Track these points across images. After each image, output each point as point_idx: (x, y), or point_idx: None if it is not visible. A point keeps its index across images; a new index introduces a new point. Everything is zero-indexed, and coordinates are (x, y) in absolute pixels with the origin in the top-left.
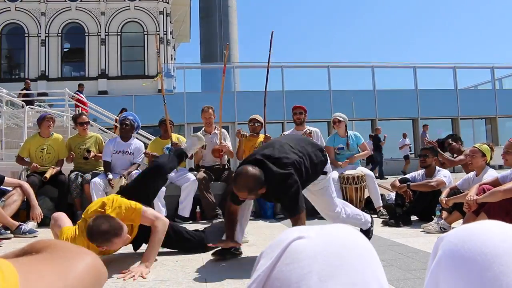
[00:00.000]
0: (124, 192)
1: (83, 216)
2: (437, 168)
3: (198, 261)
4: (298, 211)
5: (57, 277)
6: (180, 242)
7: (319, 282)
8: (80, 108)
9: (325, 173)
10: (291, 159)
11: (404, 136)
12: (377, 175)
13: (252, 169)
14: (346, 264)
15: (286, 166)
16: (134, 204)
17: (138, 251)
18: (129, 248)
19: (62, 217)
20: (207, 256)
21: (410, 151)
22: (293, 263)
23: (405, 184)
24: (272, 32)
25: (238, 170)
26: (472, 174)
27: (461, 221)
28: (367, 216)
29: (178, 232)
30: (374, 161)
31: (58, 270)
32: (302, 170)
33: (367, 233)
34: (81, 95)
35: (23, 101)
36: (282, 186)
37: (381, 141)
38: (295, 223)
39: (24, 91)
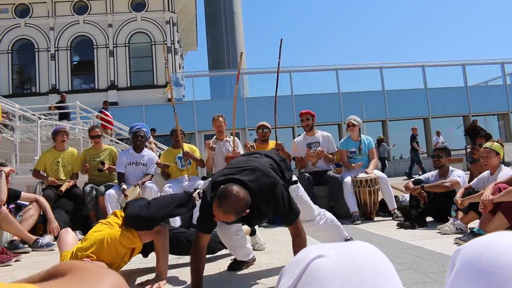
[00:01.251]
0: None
1: (76, 249)
2: (451, 168)
3: (215, 270)
4: (295, 218)
5: None
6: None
7: None
8: (101, 123)
9: (296, 181)
10: (266, 164)
11: (438, 134)
12: (420, 172)
13: (240, 190)
14: (365, 281)
15: (264, 174)
16: (129, 233)
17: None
18: (142, 263)
19: (64, 238)
20: (223, 265)
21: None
22: (313, 282)
23: (419, 186)
24: (282, 40)
25: (224, 191)
26: (487, 173)
27: (477, 221)
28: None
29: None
30: (414, 161)
31: None
32: (278, 171)
33: None
34: (107, 112)
35: (59, 113)
36: (271, 201)
37: (414, 141)
38: (294, 230)
39: (56, 104)
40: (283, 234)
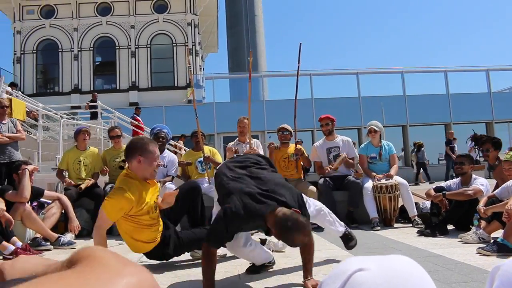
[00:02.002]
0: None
1: None
2: (473, 176)
3: (234, 273)
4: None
5: None
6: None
7: None
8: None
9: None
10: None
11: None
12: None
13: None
14: None
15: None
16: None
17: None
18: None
19: None
20: (243, 268)
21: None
22: None
23: (441, 193)
24: (300, 44)
25: (298, 224)
26: (511, 182)
27: (501, 230)
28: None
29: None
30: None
31: None
32: None
33: (349, 240)
34: (138, 117)
35: (91, 113)
36: None
37: (448, 145)
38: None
39: (90, 103)
40: None
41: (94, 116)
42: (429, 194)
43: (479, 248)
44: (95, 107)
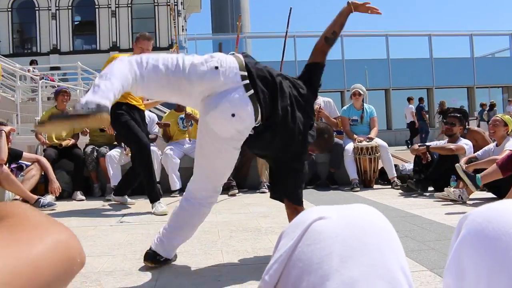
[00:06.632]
0: None
1: None
2: (460, 138)
3: (214, 233)
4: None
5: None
6: None
7: (340, 263)
8: None
9: None
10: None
11: None
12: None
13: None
14: (366, 245)
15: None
16: None
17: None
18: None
19: None
20: (222, 228)
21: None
22: (314, 243)
23: (425, 146)
24: (291, 9)
25: (329, 130)
26: (492, 144)
27: (477, 193)
28: None
29: None
30: None
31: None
32: None
33: None
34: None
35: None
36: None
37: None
38: (291, 208)
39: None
40: None
41: None
42: (413, 148)
43: None
44: None
